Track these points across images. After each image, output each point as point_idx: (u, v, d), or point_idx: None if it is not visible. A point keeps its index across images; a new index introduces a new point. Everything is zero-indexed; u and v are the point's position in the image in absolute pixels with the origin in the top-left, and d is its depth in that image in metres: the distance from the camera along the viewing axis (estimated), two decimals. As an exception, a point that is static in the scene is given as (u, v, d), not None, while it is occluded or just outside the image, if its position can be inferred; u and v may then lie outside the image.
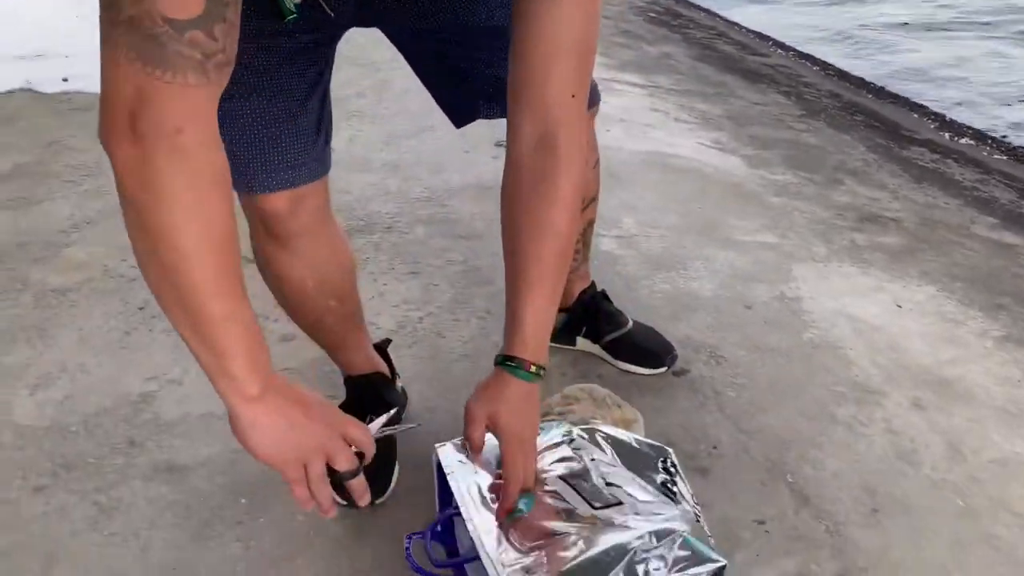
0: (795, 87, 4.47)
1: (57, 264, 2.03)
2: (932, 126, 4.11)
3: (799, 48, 5.65)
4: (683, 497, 1.07)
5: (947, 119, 4.27)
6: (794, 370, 1.72)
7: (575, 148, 0.95)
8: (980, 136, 4.01)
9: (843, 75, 5.05)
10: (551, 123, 0.93)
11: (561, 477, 1.06)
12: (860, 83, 4.91)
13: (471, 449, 1.03)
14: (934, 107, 4.48)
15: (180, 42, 0.65)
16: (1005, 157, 3.72)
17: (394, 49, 1.28)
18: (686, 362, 1.71)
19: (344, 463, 0.87)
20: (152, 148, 0.67)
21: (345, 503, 1.02)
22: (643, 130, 3.19)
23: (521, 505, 0.99)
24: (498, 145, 2.68)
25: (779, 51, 5.55)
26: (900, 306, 2.01)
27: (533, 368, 0.98)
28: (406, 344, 1.73)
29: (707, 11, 6.76)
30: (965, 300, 2.07)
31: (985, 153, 3.74)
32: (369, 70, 3.47)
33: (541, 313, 0.98)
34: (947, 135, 3.96)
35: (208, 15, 0.66)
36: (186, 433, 1.47)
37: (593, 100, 1.33)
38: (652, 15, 6.03)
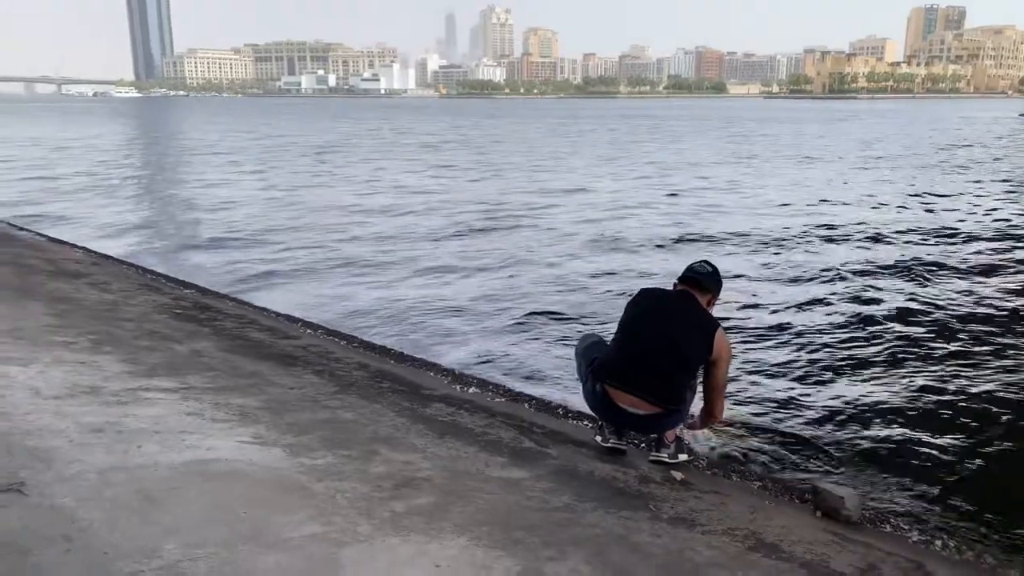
0: (327, 364, 4.85)
1: None
2: (446, 381, 4.79)
3: (326, 325, 6.20)
4: None
5: (456, 372, 5.02)
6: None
7: None
8: (483, 384, 4.79)
9: (368, 346, 5.66)
10: None
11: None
12: (383, 351, 5.54)
13: None
14: (445, 364, 5.25)
15: None
16: (504, 399, 4.48)
17: None
18: None
19: None
20: None
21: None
22: (179, 439, 3.13)
23: None
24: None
25: (308, 331, 6.00)
26: (438, 566, 2.24)
27: None
28: None
29: (235, 300, 7.06)
30: (490, 543, 2.40)
31: (489, 398, 4.47)
32: None
33: None
34: (458, 387, 4.64)
35: None
36: None
37: None
38: (178, 311, 6.06)
